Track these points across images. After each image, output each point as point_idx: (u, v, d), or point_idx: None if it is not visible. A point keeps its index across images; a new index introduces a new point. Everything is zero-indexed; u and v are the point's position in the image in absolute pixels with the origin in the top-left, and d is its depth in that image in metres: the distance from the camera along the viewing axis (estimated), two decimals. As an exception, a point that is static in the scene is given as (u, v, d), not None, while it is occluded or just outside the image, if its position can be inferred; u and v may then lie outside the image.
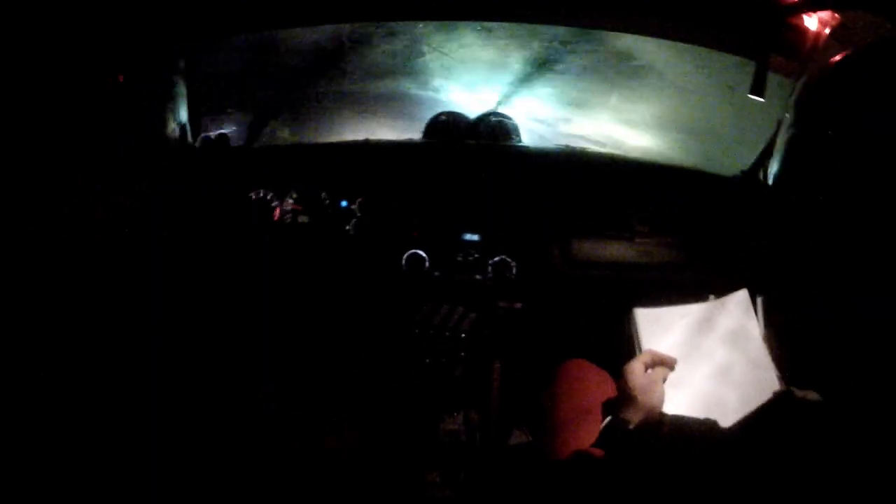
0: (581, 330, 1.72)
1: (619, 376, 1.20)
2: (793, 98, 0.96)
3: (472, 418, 1.60)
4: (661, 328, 1.22)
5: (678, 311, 1.24)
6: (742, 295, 1.23)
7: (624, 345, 1.26)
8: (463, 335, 1.61)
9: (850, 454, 0.79)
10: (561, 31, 1.86)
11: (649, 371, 1.18)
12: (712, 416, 1.08)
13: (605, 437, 1.15)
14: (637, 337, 1.22)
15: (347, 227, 1.72)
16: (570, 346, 1.62)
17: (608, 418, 1.18)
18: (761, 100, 1.42)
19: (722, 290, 1.27)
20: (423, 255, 1.68)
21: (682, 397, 1.16)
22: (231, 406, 1.64)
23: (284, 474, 1.54)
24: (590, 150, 1.94)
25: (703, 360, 1.19)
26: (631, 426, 1.12)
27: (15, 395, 1.35)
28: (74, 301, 1.47)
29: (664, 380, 1.16)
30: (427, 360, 1.61)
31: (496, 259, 1.68)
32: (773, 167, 1.64)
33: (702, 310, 1.24)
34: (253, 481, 1.50)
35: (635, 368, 1.18)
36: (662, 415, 1.13)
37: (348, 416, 1.66)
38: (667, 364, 1.18)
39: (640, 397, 1.14)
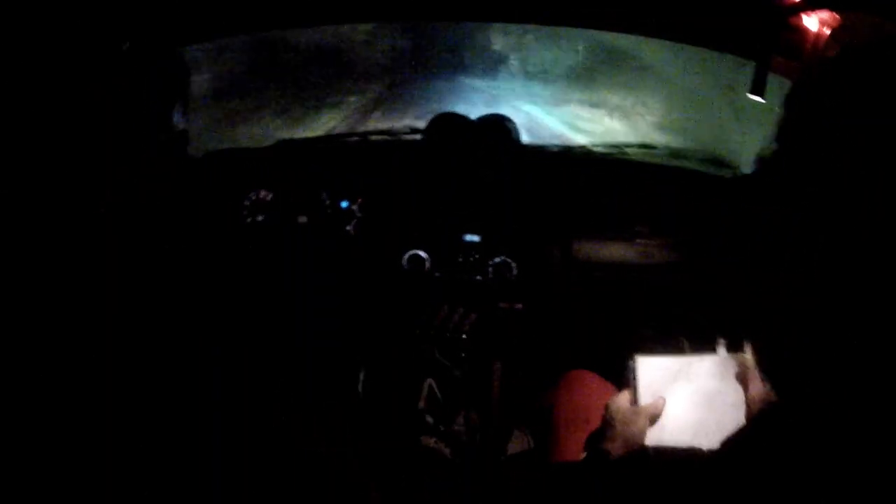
0: (581, 331, 1.72)
1: (619, 381, 1.20)
2: (787, 96, 0.95)
3: (472, 419, 1.60)
4: (660, 376, 1.19)
5: (679, 362, 1.21)
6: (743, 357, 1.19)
7: (623, 352, 1.24)
8: (463, 336, 1.62)
9: (841, 469, 0.78)
10: (561, 31, 1.86)
11: (634, 405, 1.17)
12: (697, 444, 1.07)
13: (586, 468, 1.13)
14: (636, 383, 1.20)
15: (347, 227, 1.72)
16: (570, 347, 1.62)
17: (587, 451, 1.17)
18: (761, 100, 1.42)
19: (723, 296, 1.25)
20: (424, 255, 1.68)
21: (667, 429, 1.14)
22: (228, 406, 1.63)
23: (283, 475, 1.54)
24: (590, 150, 1.94)
25: (694, 408, 1.16)
26: (611, 457, 1.10)
27: (21, 393, 1.35)
28: (76, 304, 1.46)
29: (650, 418, 1.14)
30: (427, 361, 1.61)
31: (497, 260, 1.68)
32: (773, 166, 1.64)
33: (702, 361, 1.20)
34: (250, 482, 1.50)
35: (619, 400, 1.17)
36: (645, 447, 1.11)
37: (348, 416, 1.66)
38: (655, 403, 1.16)
39: (620, 428, 1.13)
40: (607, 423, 1.16)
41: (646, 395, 1.18)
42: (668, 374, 1.20)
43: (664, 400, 1.16)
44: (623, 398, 1.18)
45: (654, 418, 1.15)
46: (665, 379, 1.20)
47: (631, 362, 1.21)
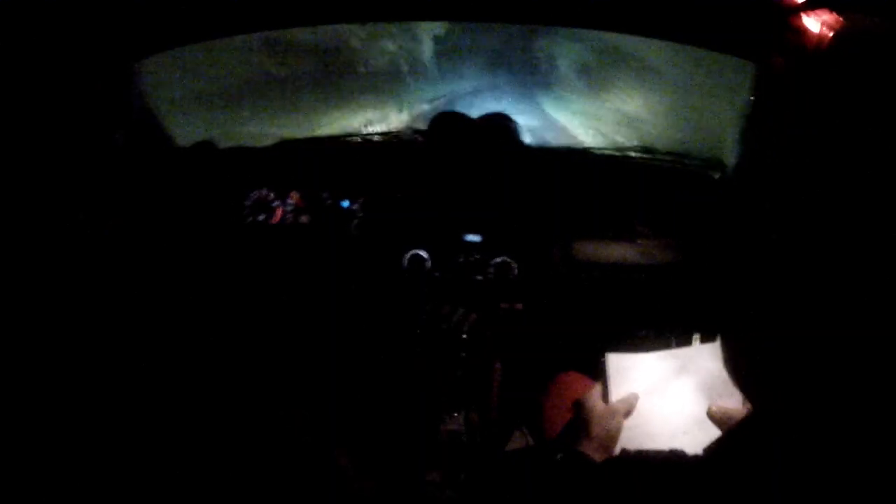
0: (581, 331, 1.72)
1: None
2: (796, 102, 0.96)
3: (472, 419, 1.60)
4: (631, 374, 1.19)
5: (650, 357, 1.21)
6: (715, 346, 1.19)
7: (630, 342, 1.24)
8: (464, 336, 1.62)
9: (819, 474, 0.78)
10: (561, 31, 1.86)
11: (608, 402, 1.15)
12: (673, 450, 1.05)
13: (558, 470, 1.11)
14: (607, 381, 1.19)
15: (348, 227, 1.72)
16: (570, 347, 1.62)
17: (560, 453, 1.15)
18: (762, 101, 1.42)
19: (719, 293, 1.25)
20: (424, 255, 1.68)
21: (642, 435, 1.13)
22: (227, 408, 1.63)
23: (283, 475, 1.54)
24: (590, 150, 1.94)
25: (670, 404, 1.16)
26: (588, 458, 1.07)
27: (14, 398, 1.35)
28: (71, 306, 1.47)
29: (625, 414, 1.14)
30: (427, 361, 1.61)
31: (497, 260, 1.68)
32: (774, 167, 1.64)
33: (675, 357, 1.21)
34: (250, 482, 1.50)
35: (591, 399, 1.16)
36: (622, 449, 1.10)
37: (348, 416, 1.66)
38: (628, 399, 1.15)
39: (595, 427, 1.11)
40: (582, 422, 1.14)
41: (617, 392, 1.17)
42: (640, 371, 1.19)
43: (637, 396, 1.15)
44: (595, 396, 1.17)
45: (627, 415, 1.14)
46: (638, 375, 1.19)
47: (602, 360, 1.20)
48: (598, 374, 1.22)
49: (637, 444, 1.11)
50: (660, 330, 1.62)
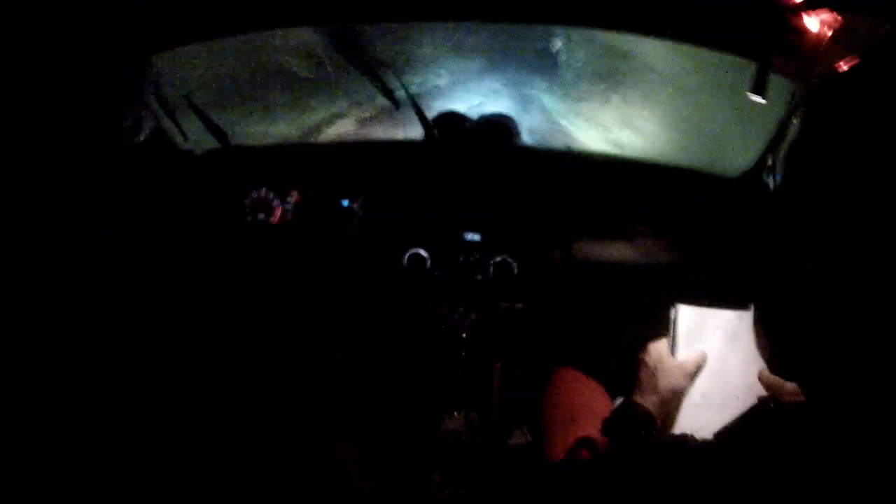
0: (581, 330, 1.72)
1: (615, 380, 1.18)
2: (797, 102, 0.95)
3: (472, 418, 1.60)
4: (701, 330, 1.15)
5: (722, 315, 1.17)
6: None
7: (631, 342, 1.22)
8: (463, 335, 1.62)
9: (837, 459, 0.77)
10: (561, 30, 1.86)
11: (676, 357, 1.11)
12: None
13: (614, 423, 1.09)
14: (675, 335, 1.15)
15: (348, 227, 1.72)
16: (570, 346, 1.62)
17: (619, 401, 1.12)
18: (762, 100, 1.42)
19: (723, 292, 1.24)
20: (424, 254, 1.68)
21: (698, 396, 1.10)
22: (228, 408, 1.64)
23: (284, 475, 1.54)
24: (590, 150, 1.94)
25: (730, 366, 1.13)
26: (644, 410, 1.05)
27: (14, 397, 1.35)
28: (71, 306, 1.47)
29: (692, 375, 1.09)
30: (427, 360, 1.61)
31: (497, 259, 1.68)
32: (775, 169, 1.64)
33: (742, 318, 1.15)
34: (251, 483, 1.50)
35: (660, 350, 1.12)
36: (678, 411, 1.06)
37: (348, 416, 1.66)
38: (698, 359, 1.11)
39: (658, 378, 1.07)
40: (643, 368, 1.10)
41: (686, 348, 1.12)
42: (710, 328, 1.14)
43: (706, 356, 1.10)
44: (662, 349, 1.12)
45: (695, 376, 1.08)
46: (707, 333, 1.13)
47: (672, 311, 1.16)
48: (665, 324, 1.17)
49: (693, 406, 1.07)
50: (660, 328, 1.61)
